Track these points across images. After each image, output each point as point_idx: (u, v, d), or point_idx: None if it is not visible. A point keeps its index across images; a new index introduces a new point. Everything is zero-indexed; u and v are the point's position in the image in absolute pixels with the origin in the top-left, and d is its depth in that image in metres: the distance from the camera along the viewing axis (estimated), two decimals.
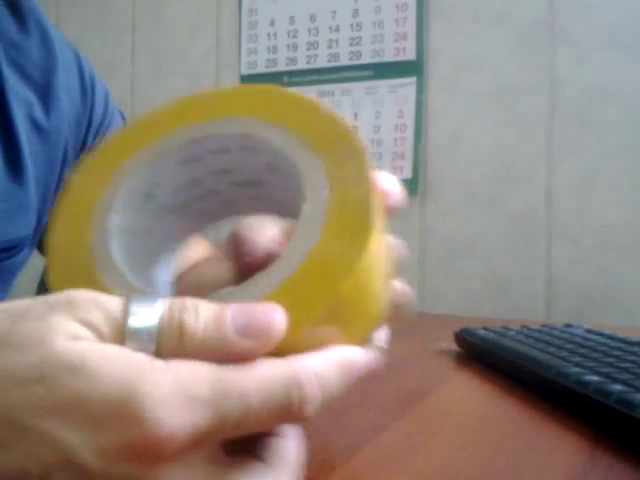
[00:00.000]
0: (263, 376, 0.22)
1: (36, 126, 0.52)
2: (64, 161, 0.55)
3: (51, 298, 0.23)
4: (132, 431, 0.20)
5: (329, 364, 0.25)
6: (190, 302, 0.23)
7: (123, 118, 0.63)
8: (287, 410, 0.23)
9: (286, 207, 0.33)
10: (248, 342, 0.23)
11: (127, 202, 0.31)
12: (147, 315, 0.23)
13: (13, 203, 0.50)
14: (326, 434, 0.39)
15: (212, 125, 0.31)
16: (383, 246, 0.29)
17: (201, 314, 0.23)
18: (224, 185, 0.34)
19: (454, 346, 0.65)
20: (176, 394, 0.21)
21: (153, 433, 0.20)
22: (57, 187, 0.56)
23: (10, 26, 0.52)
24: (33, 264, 0.57)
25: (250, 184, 0.34)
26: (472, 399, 0.49)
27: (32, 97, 0.52)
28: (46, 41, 0.54)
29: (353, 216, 0.26)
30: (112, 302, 0.23)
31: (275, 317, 0.23)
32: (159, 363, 0.21)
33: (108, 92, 0.61)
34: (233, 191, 0.35)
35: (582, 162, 1.19)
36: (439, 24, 1.30)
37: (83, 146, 0.58)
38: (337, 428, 0.40)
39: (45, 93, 0.53)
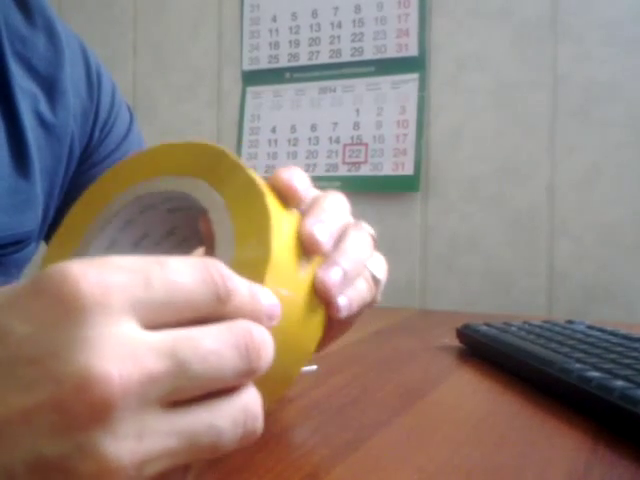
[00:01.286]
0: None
1: (42, 120, 0.52)
2: (70, 155, 0.55)
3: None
4: (52, 294, 0.21)
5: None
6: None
7: (129, 111, 0.63)
8: (210, 282, 0.24)
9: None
10: None
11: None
12: None
13: (20, 197, 0.50)
14: (327, 430, 0.39)
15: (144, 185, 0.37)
16: (290, 228, 0.33)
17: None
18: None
19: (456, 342, 0.65)
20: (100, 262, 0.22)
21: (79, 288, 0.21)
22: (63, 181, 0.56)
23: (17, 20, 0.52)
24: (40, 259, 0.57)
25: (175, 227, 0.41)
26: (474, 395, 0.50)
27: (38, 91, 0.52)
28: (52, 35, 0.54)
29: (251, 217, 0.32)
30: None
31: None
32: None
33: (115, 85, 0.61)
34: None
35: (584, 158, 1.19)
36: (441, 20, 1.30)
37: (90, 140, 0.58)
38: (338, 424, 0.40)
39: (51, 87, 0.53)
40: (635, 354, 0.49)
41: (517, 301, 1.22)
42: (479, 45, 1.27)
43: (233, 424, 0.24)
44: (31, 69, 0.52)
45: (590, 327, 0.65)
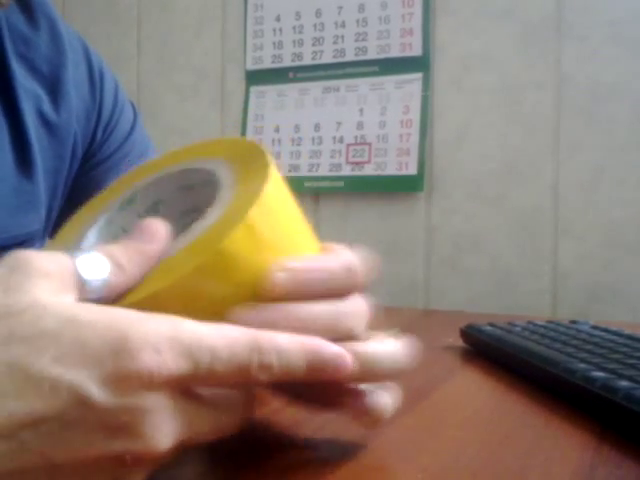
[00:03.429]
0: (231, 336, 0.26)
1: (45, 121, 0.52)
2: (73, 155, 0.55)
3: (7, 263, 0.26)
4: (127, 363, 0.23)
5: (294, 344, 0.28)
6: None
7: (133, 109, 0.63)
8: (246, 370, 0.26)
9: None
10: None
11: (123, 209, 0.37)
12: (95, 265, 0.28)
13: (23, 198, 0.50)
14: (332, 429, 0.39)
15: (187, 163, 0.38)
16: (283, 193, 0.34)
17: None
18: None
19: (460, 342, 0.65)
20: (160, 337, 0.24)
21: (145, 364, 0.24)
22: (66, 181, 0.56)
23: (19, 20, 0.52)
24: None
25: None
26: (478, 395, 0.49)
27: (41, 92, 0.52)
28: (55, 35, 0.54)
29: (254, 172, 0.33)
30: (62, 256, 0.27)
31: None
32: (142, 314, 0.25)
33: (118, 84, 0.61)
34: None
35: (589, 159, 1.19)
36: (445, 20, 1.30)
37: (92, 140, 0.58)
38: (343, 424, 0.40)
39: (54, 88, 0.53)
40: (639, 354, 0.49)
41: (521, 301, 1.22)
42: (483, 45, 1.26)
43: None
44: (34, 69, 0.52)
45: (594, 327, 0.65)
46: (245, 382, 0.27)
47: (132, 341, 0.24)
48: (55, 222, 0.56)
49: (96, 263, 0.28)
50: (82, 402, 0.23)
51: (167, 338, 0.24)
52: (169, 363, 0.24)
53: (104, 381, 0.23)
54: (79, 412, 0.23)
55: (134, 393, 0.24)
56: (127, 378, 0.23)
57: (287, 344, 0.28)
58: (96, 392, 0.23)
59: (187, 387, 0.26)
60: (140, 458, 0.24)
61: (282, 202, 0.33)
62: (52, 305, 0.24)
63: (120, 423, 0.24)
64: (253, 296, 0.30)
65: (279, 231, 0.32)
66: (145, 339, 0.24)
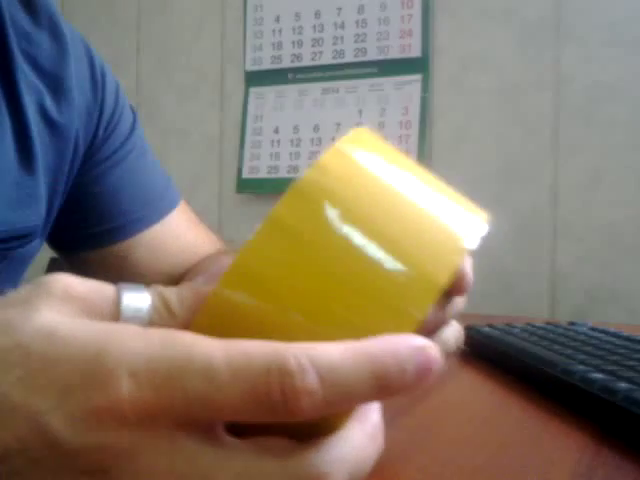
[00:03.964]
0: (237, 349, 0.19)
1: (47, 117, 0.52)
2: (75, 153, 0.56)
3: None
4: (97, 394, 0.19)
5: (343, 351, 0.19)
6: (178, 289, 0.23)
7: (133, 112, 0.63)
8: (264, 395, 0.19)
9: None
10: None
11: None
12: (139, 298, 0.22)
13: (24, 192, 0.50)
14: None
15: None
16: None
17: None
18: None
19: None
20: (139, 357, 0.19)
21: (116, 396, 0.19)
22: (67, 179, 0.56)
23: (22, 18, 0.52)
24: (40, 257, 0.57)
25: None
26: (476, 396, 0.49)
27: (43, 88, 0.52)
28: (57, 34, 0.54)
29: None
30: (105, 285, 0.23)
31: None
32: (134, 328, 0.20)
33: (118, 84, 0.61)
34: None
35: (587, 160, 1.19)
36: (445, 21, 1.30)
37: (94, 138, 0.58)
38: None
39: (56, 85, 0.53)
40: (638, 356, 0.49)
41: (520, 302, 1.22)
42: (482, 46, 1.27)
43: None
44: (37, 67, 0.52)
45: (593, 329, 0.65)
46: (270, 414, 0.19)
47: (105, 363, 0.19)
48: (55, 222, 0.56)
49: (143, 301, 0.22)
50: (44, 435, 0.19)
51: (148, 358, 0.19)
52: (145, 390, 0.19)
53: (70, 416, 0.19)
54: (43, 447, 0.19)
55: (106, 428, 0.19)
56: (97, 410, 0.19)
57: (331, 355, 0.19)
58: (61, 429, 0.19)
59: (199, 425, 0.20)
60: None
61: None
62: (37, 318, 0.21)
63: (91, 465, 0.19)
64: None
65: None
66: (121, 360, 0.19)
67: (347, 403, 0.20)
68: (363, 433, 0.22)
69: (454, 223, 0.23)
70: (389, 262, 0.21)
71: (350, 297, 0.21)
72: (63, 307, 0.21)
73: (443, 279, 0.21)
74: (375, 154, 0.24)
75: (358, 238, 0.21)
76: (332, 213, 0.21)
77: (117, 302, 0.22)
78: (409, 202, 0.23)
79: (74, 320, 0.21)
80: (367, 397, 0.20)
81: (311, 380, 0.19)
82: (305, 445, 0.21)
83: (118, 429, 0.19)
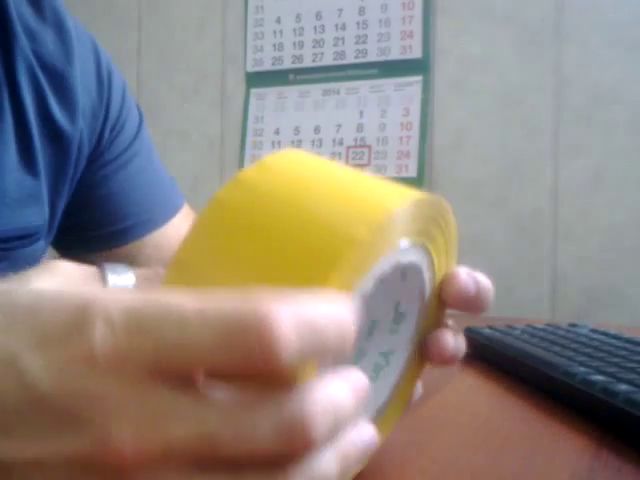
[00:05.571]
0: (209, 297, 0.20)
1: (49, 117, 0.52)
2: (79, 153, 0.55)
3: None
4: (73, 340, 0.19)
5: (312, 297, 0.20)
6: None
7: (139, 109, 0.63)
8: (239, 335, 0.19)
9: None
10: None
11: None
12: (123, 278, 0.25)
13: (25, 192, 0.50)
14: None
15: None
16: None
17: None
18: None
19: None
20: (118, 307, 0.20)
21: (88, 341, 0.19)
22: (72, 179, 0.55)
23: (27, 15, 0.52)
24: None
25: None
26: (477, 398, 0.49)
27: (46, 87, 0.52)
28: (62, 31, 0.53)
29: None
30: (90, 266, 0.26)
31: None
32: (119, 290, 0.21)
33: (125, 84, 0.60)
34: None
35: (588, 162, 1.19)
36: (446, 22, 1.30)
37: (100, 139, 0.57)
38: None
39: (60, 84, 0.53)
40: (639, 358, 0.49)
41: (520, 304, 1.22)
42: (483, 48, 1.27)
43: None
44: (41, 64, 0.52)
45: (593, 330, 0.65)
46: (254, 371, 0.19)
47: (88, 314, 0.19)
48: (60, 223, 0.56)
49: (122, 271, 0.26)
50: (19, 377, 0.19)
51: (125, 308, 0.19)
52: (120, 337, 0.19)
53: (47, 358, 0.19)
54: (18, 389, 0.19)
55: (80, 374, 0.19)
56: (71, 356, 0.19)
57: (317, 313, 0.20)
58: (35, 369, 0.19)
59: (173, 374, 0.20)
60: (104, 463, 0.19)
61: None
62: (28, 285, 0.23)
63: (64, 410, 0.19)
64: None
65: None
66: (102, 310, 0.19)
67: (320, 345, 0.20)
68: (343, 381, 0.22)
69: (374, 194, 0.27)
70: (320, 219, 0.24)
71: (286, 250, 0.24)
72: (53, 279, 0.24)
73: (362, 232, 0.23)
74: (310, 158, 0.29)
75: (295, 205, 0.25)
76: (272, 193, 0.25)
77: (104, 280, 0.25)
78: (337, 182, 0.27)
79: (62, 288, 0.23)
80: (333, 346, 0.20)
81: (286, 319, 0.19)
82: (286, 389, 0.20)
83: (89, 375, 0.19)
